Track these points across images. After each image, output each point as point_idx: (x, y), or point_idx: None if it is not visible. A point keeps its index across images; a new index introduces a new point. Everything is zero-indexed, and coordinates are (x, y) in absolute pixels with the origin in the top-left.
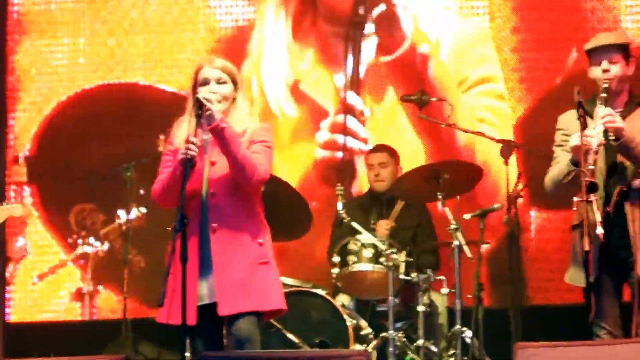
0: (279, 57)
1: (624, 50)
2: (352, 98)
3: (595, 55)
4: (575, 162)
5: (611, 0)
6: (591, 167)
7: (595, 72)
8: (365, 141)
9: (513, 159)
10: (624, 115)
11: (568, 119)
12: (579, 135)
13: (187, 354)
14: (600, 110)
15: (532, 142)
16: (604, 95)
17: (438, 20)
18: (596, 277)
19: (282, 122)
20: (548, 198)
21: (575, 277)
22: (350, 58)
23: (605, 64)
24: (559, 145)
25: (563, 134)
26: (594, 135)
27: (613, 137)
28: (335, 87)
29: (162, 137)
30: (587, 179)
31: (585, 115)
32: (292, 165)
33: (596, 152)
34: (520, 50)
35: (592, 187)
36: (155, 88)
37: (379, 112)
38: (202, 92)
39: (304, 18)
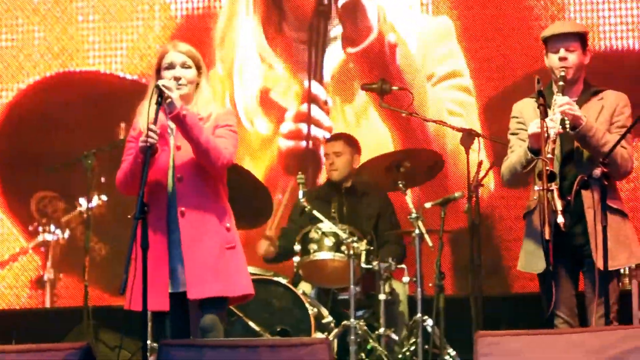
0: (251, 67)
1: (581, 38)
2: (315, 88)
3: (552, 43)
4: (532, 150)
5: None
6: (549, 156)
7: (552, 60)
8: (329, 130)
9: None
10: (579, 104)
11: (522, 107)
12: (537, 123)
13: (149, 342)
14: (559, 98)
15: (496, 131)
16: (561, 83)
17: (403, 19)
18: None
19: (252, 133)
20: (505, 186)
21: (528, 265)
22: (313, 48)
23: (562, 52)
24: (514, 134)
25: (518, 122)
26: (552, 124)
27: (571, 126)
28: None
29: (122, 125)
30: (546, 168)
31: (545, 103)
32: (257, 159)
33: (554, 141)
34: (486, 40)
35: (550, 177)
36: (116, 76)
37: (348, 103)
38: (165, 78)
39: (271, 25)
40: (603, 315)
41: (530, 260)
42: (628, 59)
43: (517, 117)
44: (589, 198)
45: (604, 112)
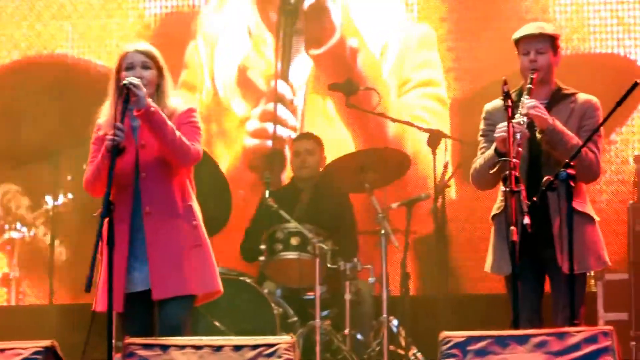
0: (236, 44)
1: (551, 40)
2: (282, 87)
3: (523, 45)
4: (499, 153)
5: None
6: (515, 160)
7: (522, 62)
8: (294, 129)
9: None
10: (549, 107)
11: (492, 108)
12: (504, 127)
13: (115, 340)
14: (526, 101)
15: (465, 131)
16: (529, 86)
17: (385, 23)
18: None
19: (228, 110)
20: (476, 188)
21: (496, 267)
22: (281, 47)
23: (532, 54)
24: (484, 135)
25: (487, 124)
26: (519, 128)
27: (538, 129)
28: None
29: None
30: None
31: (512, 105)
32: (227, 144)
33: (519, 145)
34: (448, 40)
35: (515, 181)
36: (86, 66)
37: (312, 103)
38: (128, 77)
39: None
40: (568, 318)
41: (498, 262)
42: (609, 62)
43: (487, 119)
44: (554, 202)
45: (574, 116)
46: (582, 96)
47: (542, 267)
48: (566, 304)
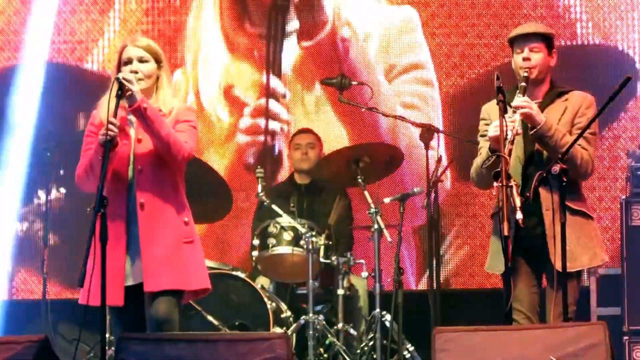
0: (214, 62)
1: (546, 40)
2: (273, 81)
3: (517, 43)
4: (494, 151)
5: None
6: (506, 156)
7: (516, 61)
8: (287, 123)
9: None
10: (543, 106)
11: (490, 109)
12: (496, 125)
13: (108, 335)
14: (517, 98)
15: (458, 123)
16: (523, 84)
17: (366, 9)
18: (513, 262)
19: (216, 126)
20: (477, 188)
21: (492, 265)
22: (271, 42)
23: (526, 52)
24: (483, 136)
25: (486, 124)
26: (511, 125)
27: (531, 126)
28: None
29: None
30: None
31: (504, 100)
32: (219, 153)
33: (511, 142)
34: (446, 36)
35: (506, 176)
36: (78, 68)
37: (304, 97)
38: (123, 72)
39: (233, 19)
40: (560, 315)
41: (493, 261)
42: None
43: (485, 119)
44: (547, 200)
45: (567, 114)
46: (576, 93)
47: (538, 264)
48: (559, 301)
